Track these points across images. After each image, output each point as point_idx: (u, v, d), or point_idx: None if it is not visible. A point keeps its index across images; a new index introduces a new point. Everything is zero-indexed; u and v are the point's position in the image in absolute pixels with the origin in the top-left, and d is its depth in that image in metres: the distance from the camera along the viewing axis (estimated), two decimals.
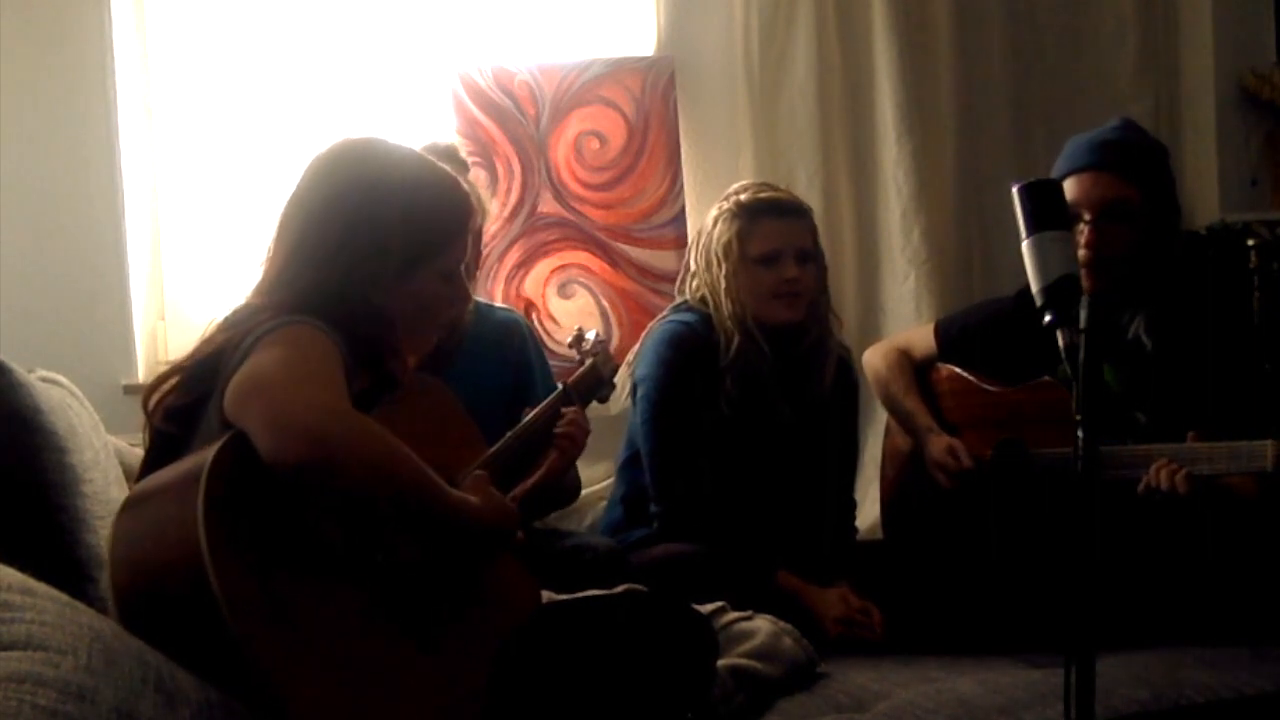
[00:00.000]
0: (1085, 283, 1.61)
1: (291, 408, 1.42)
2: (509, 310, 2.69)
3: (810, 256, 2.63)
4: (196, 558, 1.33)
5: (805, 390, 2.65)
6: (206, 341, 1.65)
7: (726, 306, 2.58)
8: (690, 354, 2.60)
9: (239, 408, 1.45)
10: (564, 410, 2.12)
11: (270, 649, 1.35)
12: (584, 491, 3.02)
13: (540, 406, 2.07)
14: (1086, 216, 2.37)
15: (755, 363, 2.58)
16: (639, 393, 2.64)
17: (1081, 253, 2.33)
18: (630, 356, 2.72)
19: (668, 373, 2.59)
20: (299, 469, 1.40)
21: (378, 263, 1.68)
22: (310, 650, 1.40)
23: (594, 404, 2.37)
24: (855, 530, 2.85)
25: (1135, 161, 2.42)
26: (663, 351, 2.62)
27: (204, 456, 1.41)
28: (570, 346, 2.45)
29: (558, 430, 1.99)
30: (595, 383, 2.22)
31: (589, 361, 2.22)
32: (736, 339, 2.57)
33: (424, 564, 1.60)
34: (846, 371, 2.76)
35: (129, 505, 1.48)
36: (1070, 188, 2.34)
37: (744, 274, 2.58)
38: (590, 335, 2.27)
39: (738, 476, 2.60)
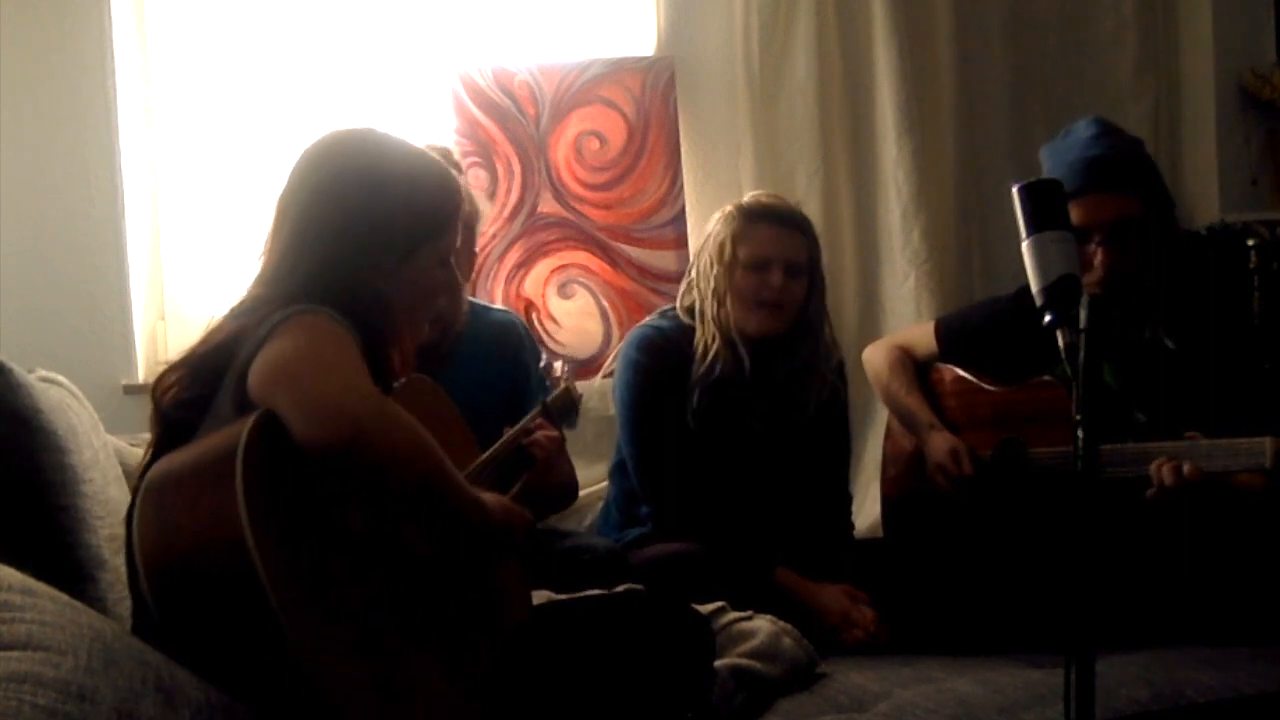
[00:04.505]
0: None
1: (324, 390, 1.44)
2: (505, 311, 2.69)
3: (801, 271, 2.59)
4: (237, 534, 1.34)
5: (787, 412, 2.63)
6: (215, 330, 1.66)
7: (711, 309, 2.57)
8: (659, 357, 2.60)
9: (268, 392, 1.46)
10: (538, 423, 2.12)
11: (306, 627, 1.36)
12: (584, 491, 3.02)
13: (521, 423, 2.09)
14: (1096, 238, 2.37)
15: (730, 372, 2.57)
16: (615, 398, 2.65)
17: (1098, 274, 2.35)
18: (609, 362, 2.72)
19: (638, 375, 2.60)
20: (333, 450, 1.41)
21: (378, 248, 1.69)
22: (341, 632, 1.42)
23: (591, 409, 2.36)
24: (851, 526, 2.84)
25: (1128, 172, 2.43)
26: (631, 355, 2.63)
27: (235, 435, 1.41)
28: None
29: (526, 442, 2.00)
30: (569, 406, 2.23)
31: (563, 385, 2.24)
32: (715, 345, 2.56)
33: (436, 558, 1.61)
34: (835, 394, 2.73)
35: (153, 488, 1.47)
36: (1073, 212, 2.34)
37: (731, 278, 2.56)
38: (557, 365, 2.29)
39: (718, 482, 2.59)
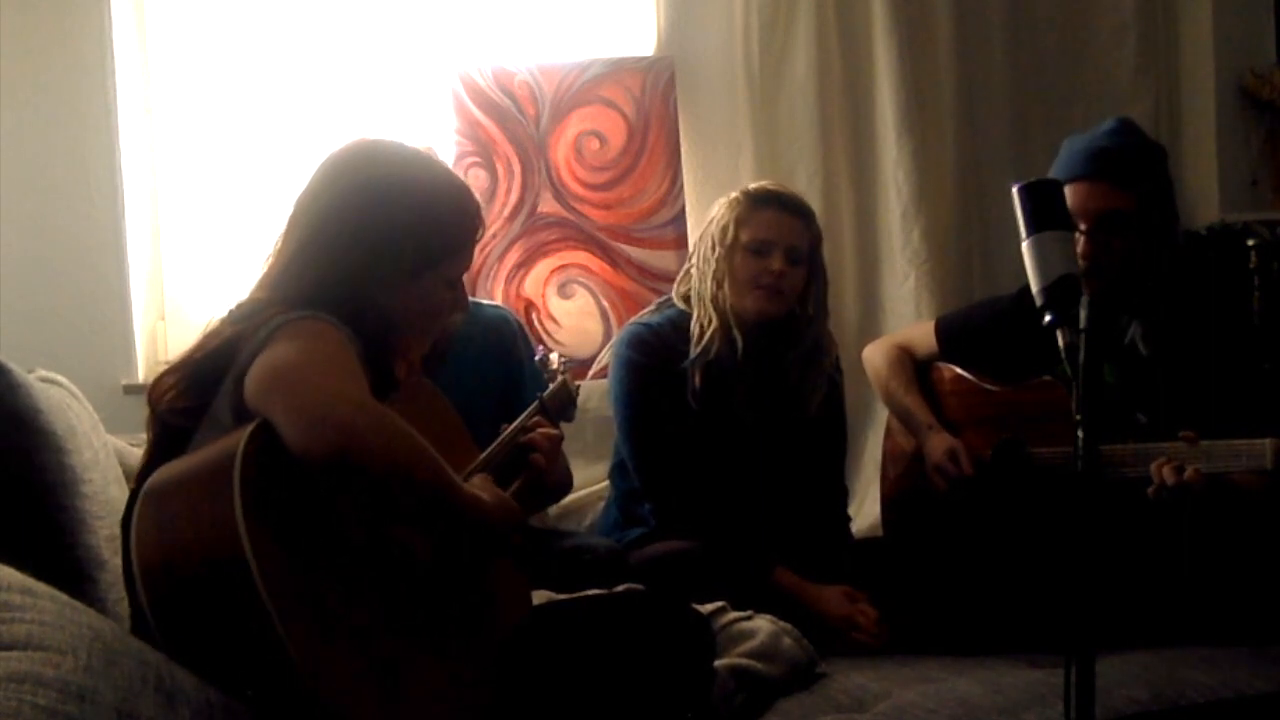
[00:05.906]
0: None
1: (320, 399, 1.43)
2: (497, 307, 2.68)
3: (802, 259, 2.59)
4: (235, 542, 1.34)
5: (789, 404, 2.63)
6: (213, 335, 1.66)
7: (709, 291, 2.58)
8: (652, 354, 2.60)
9: (262, 399, 1.45)
10: (535, 421, 2.12)
11: (304, 633, 1.36)
12: (584, 491, 3.03)
13: (519, 420, 2.09)
14: (1082, 226, 2.36)
15: (725, 355, 2.57)
16: (610, 397, 2.65)
17: (1078, 262, 2.34)
18: (601, 357, 2.71)
19: (630, 373, 2.61)
20: (327, 460, 1.41)
21: (388, 263, 1.68)
22: (340, 638, 1.41)
23: (590, 409, 2.35)
24: (848, 519, 2.84)
25: (1131, 169, 2.41)
26: (623, 353, 2.63)
27: (233, 443, 1.41)
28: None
29: (523, 440, 2.00)
30: (567, 400, 2.23)
31: (560, 379, 2.23)
32: (711, 328, 2.57)
33: (435, 562, 1.61)
34: (832, 387, 2.72)
35: (153, 495, 1.47)
36: (1066, 196, 2.34)
37: (732, 260, 2.57)
38: (553, 356, 2.29)
39: (716, 475, 2.58)
